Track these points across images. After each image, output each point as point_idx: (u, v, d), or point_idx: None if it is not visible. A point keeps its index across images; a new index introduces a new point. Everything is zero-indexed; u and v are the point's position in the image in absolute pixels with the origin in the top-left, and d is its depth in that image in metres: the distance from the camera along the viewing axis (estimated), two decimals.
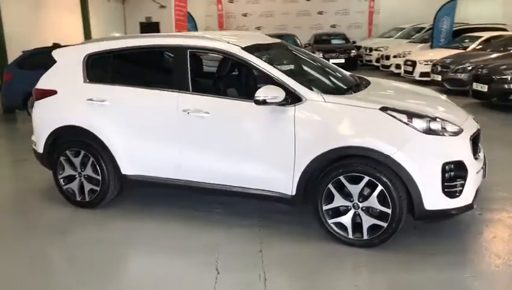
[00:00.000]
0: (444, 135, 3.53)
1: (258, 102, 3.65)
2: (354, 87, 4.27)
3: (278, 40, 5.01)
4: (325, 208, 3.72)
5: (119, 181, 4.46)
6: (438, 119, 3.56)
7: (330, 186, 3.66)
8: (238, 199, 4.62)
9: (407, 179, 3.44)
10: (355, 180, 3.59)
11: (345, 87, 4.24)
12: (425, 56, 14.10)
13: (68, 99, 4.53)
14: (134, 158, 4.31)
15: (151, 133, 4.21)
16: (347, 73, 4.93)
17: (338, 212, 3.71)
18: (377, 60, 17.96)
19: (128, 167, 4.35)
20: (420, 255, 3.59)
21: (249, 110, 3.86)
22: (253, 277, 3.34)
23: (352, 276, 3.47)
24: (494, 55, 11.46)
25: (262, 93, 3.65)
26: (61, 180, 4.63)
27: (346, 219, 3.68)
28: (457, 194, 3.51)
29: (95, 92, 4.40)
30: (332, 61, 16.56)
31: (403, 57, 15.22)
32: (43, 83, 4.73)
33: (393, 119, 3.52)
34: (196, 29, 16.93)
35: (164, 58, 4.62)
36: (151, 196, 4.89)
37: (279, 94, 3.66)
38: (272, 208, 4.42)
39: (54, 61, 4.73)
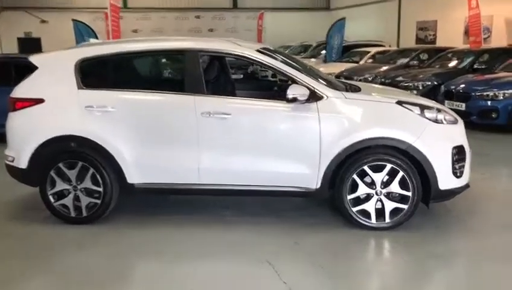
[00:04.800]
0: (445, 124, 4.06)
1: (288, 100, 3.84)
2: (349, 87, 4.62)
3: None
4: (349, 197, 4.00)
5: (124, 191, 4.23)
6: (441, 110, 4.09)
7: (355, 176, 3.96)
8: (243, 200, 4.72)
9: (425, 164, 3.89)
10: (377, 169, 3.94)
11: (344, 86, 4.58)
12: (322, 69, 15.27)
13: (60, 108, 4.18)
14: (144, 165, 4.14)
15: (166, 137, 4.10)
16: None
17: (361, 200, 4.02)
18: (273, 76, 18.88)
19: (137, 175, 4.16)
20: (433, 231, 4.05)
21: (272, 110, 4.02)
22: (307, 265, 3.48)
23: (382, 254, 3.87)
24: (385, 67, 12.95)
25: (291, 91, 3.84)
26: (51, 196, 4.24)
27: (370, 205, 4.00)
28: (460, 174, 4.06)
29: (95, 98, 4.14)
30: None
31: None
32: (23, 92, 4.30)
33: (409, 111, 3.96)
34: None
35: (173, 62, 4.54)
36: (145, 206, 4.70)
37: (306, 92, 3.88)
38: (281, 205, 4.58)
39: (34, 68, 4.33)
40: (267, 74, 16.13)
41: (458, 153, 4.02)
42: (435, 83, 10.08)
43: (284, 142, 4.01)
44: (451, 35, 16.27)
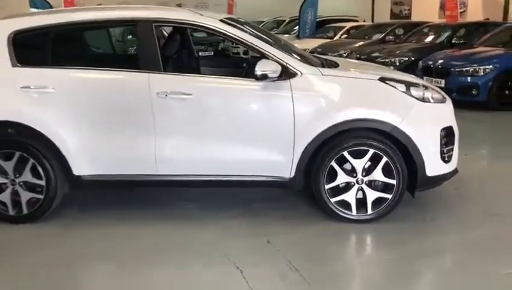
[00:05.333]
0: (433, 102, 3.63)
1: (257, 77, 3.34)
2: (326, 62, 4.13)
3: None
4: (327, 187, 3.55)
5: (71, 185, 3.69)
6: (428, 88, 3.66)
7: (333, 163, 3.50)
8: (207, 192, 4.22)
9: (412, 148, 3.47)
10: (358, 155, 3.50)
11: (320, 62, 4.09)
12: (296, 45, 14.75)
13: None
14: (92, 155, 3.59)
15: (116, 122, 3.56)
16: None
17: (340, 189, 3.58)
18: (245, 52, 18.24)
19: (84, 166, 3.61)
20: (420, 223, 3.67)
21: (239, 89, 3.53)
22: (281, 267, 3.03)
23: (364, 252, 3.47)
24: (360, 43, 12.52)
25: (260, 67, 3.34)
26: None
27: (350, 196, 3.57)
28: (448, 159, 3.66)
29: (33, 77, 3.54)
30: (201, 54, 16.30)
31: None
32: None
33: (393, 89, 3.51)
34: None
35: (124, 34, 3.94)
36: (97, 202, 4.15)
37: (277, 68, 3.38)
38: (252, 197, 4.10)
39: None
40: (238, 50, 15.42)
41: (447, 136, 3.61)
42: (412, 58, 9.73)
43: (252, 126, 3.52)
44: (426, 9, 15.94)
